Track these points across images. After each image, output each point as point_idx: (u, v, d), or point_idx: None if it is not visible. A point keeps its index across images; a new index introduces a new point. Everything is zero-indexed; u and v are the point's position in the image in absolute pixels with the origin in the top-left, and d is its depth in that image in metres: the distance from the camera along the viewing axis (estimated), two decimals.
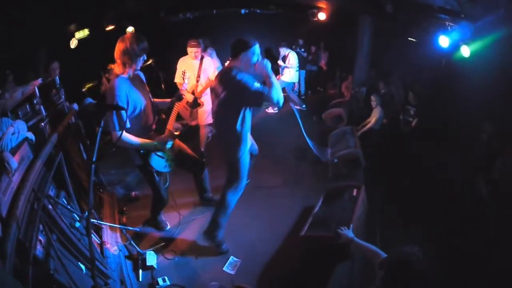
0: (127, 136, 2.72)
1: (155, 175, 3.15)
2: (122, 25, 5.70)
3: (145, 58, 2.80)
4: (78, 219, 2.56)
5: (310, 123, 6.60)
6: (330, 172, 4.80)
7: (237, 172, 3.13)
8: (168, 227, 3.73)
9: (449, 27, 4.09)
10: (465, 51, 3.87)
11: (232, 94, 2.81)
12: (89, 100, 2.89)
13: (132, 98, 2.71)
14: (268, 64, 2.82)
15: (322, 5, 6.54)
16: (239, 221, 3.68)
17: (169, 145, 3.03)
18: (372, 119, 5.75)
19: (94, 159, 1.88)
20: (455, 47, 4.01)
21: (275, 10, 7.60)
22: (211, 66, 4.74)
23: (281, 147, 5.69)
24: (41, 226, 2.00)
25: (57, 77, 3.48)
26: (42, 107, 2.95)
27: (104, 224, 3.15)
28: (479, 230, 3.32)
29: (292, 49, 7.44)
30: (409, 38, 5.82)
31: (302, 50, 8.22)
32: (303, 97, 8.52)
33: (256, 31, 8.21)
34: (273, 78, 2.79)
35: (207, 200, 4.01)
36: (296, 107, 8.03)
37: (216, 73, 4.05)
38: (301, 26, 7.93)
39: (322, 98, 8.42)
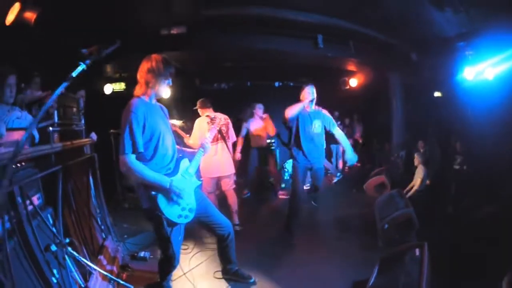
0: (136, 162, 2.25)
1: (165, 224, 2.44)
2: None
3: (170, 83, 2.51)
4: (57, 242, 2.04)
5: (350, 196, 6.37)
6: (380, 240, 4.05)
7: None
8: None
9: (469, 56, 4.04)
10: (489, 73, 3.80)
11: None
12: None
13: (150, 122, 2.31)
14: None
15: (352, 68, 6.55)
16: None
17: (188, 189, 2.49)
18: (417, 180, 5.39)
19: None
20: (479, 75, 3.99)
21: (308, 82, 7.67)
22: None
23: (321, 220, 5.24)
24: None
25: (82, 102, 3.40)
26: (56, 112, 2.74)
27: (93, 267, 2.50)
28: None
29: None
30: (435, 94, 5.83)
31: (339, 122, 7.94)
32: (339, 170, 8.06)
33: (290, 102, 8.28)
34: None
35: (231, 274, 3.14)
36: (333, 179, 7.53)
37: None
38: (334, 97, 7.85)
39: (360, 172, 7.87)
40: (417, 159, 5.52)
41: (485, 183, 4.17)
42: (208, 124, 4.13)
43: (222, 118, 4.33)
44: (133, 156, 2.23)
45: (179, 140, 4.40)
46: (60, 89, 1.31)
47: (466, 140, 5.18)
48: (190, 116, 6.81)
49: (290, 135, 4.37)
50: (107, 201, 4.00)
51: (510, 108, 3.69)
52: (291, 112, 4.13)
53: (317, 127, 4.23)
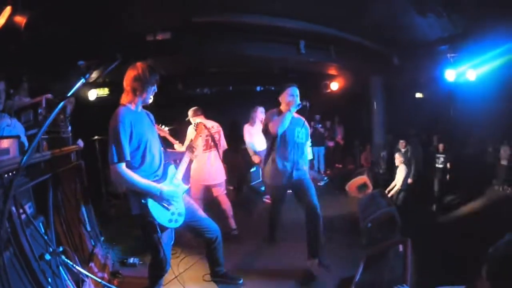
0: (127, 171, 2.28)
1: (158, 229, 2.48)
2: None
3: (156, 90, 2.51)
4: (51, 251, 2.04)
5: (333, 197, 6.42)
6: (364, 239, 4.23)
7: None
8: None
9: (451, 59, 4.21)
10: (471, 75, 4.01)
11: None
12: None
13: (136, 131, 2.35)
14: None
15: (333, 72, 6.73)
16: None
17: (177, 194, 2.55)
18: (399, 180, 5.58)
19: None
20: (461, 76, 4.19)
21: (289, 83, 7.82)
22: None
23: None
24: None
25: (69, 109, 3.37)
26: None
27: (86, 274, 2.49)
28: None
29: (310, 126, 7.34)
30: (416, 95, 6.11)
31: (320, 125, 8.11)
32: (323, 175, 8.18)
33: (271, 106, 8.40)
34: None
35: (219, 276, 3.20)
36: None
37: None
38: (315, 100, 8.02)
39: (342, 174, 8.06)
40: (398, 159, 5.67)
41: (468, 180, 4.37)
42: None
43: (214, 126, 4.34)
44: (123, 165, 2.26)
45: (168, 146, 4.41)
46: (60, 106, 1.32)
47: (449, 138, 5.42)
48: (172, 121, 6.83)
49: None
50: (93, 208, 3.98)
51: (491, 108, 3.88)
52: (278, 126, 3.33)
53: (300, 136, 3.56)
